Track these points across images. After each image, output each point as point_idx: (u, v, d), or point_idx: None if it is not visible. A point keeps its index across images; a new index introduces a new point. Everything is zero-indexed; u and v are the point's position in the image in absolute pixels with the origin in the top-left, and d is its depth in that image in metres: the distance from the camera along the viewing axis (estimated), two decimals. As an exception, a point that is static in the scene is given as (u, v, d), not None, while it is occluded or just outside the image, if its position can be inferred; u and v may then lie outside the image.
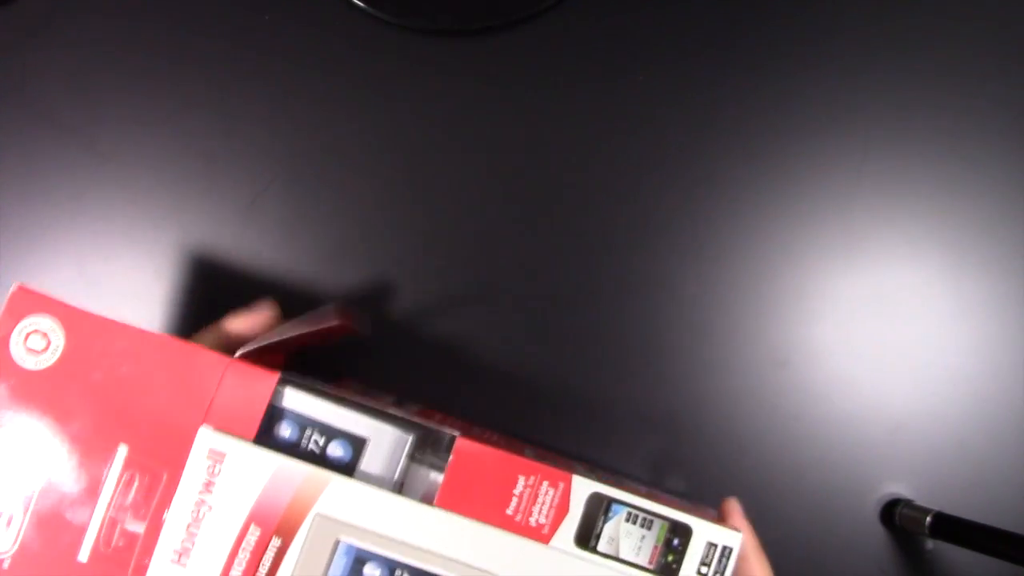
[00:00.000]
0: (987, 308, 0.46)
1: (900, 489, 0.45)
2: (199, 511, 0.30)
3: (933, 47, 0.47)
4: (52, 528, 0.30)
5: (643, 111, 0.45)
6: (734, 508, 0.36)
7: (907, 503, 0.44)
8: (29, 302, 0.31)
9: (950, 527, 0.41)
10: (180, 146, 0.44)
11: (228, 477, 0.30)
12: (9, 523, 0.30)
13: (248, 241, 0.44)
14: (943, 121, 0.47)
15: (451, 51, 0.45)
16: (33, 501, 0.30)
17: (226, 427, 0.31)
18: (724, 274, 0.45)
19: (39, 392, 0.30)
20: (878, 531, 0.44)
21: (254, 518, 0.30)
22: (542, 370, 0.44)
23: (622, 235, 0.45)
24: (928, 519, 0.42)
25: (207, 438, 0.30)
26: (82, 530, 0.30)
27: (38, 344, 0.31)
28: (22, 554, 0.30)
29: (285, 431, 0.31)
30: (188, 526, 0.30)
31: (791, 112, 0.46)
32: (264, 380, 0.31)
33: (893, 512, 0.44)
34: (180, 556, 0.30)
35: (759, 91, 0.46)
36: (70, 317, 0.31)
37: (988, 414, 0.45)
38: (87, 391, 0.31)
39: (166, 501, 0.30)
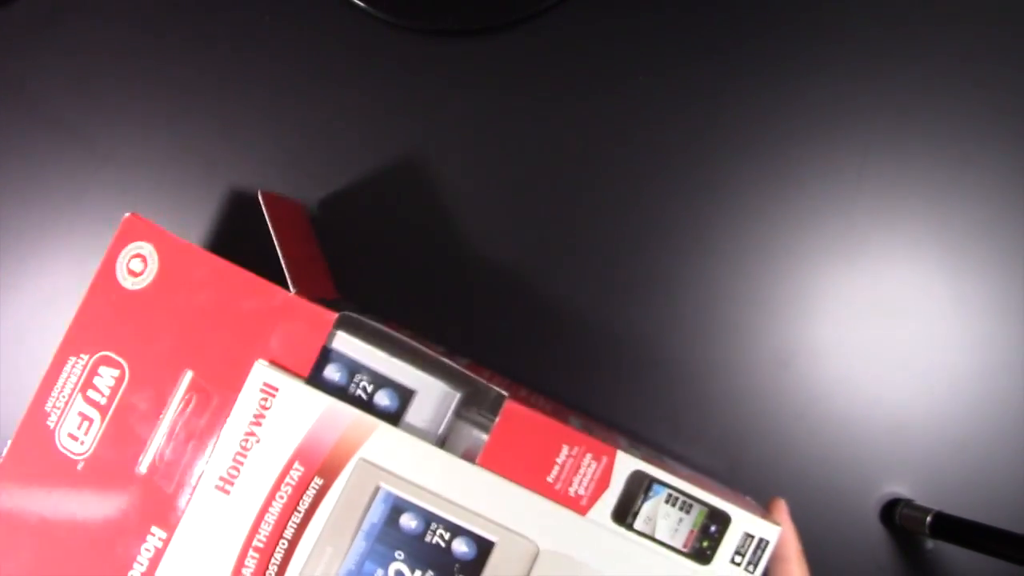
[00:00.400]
0: (987, 308, 0.46)
1: (900, 489, 0.45)
2: (247, 442, 0.31)
3: (933, 50, 0.47)
4: (122, 438, 0.32)
5: (644, 112, 0.45)
6: (781, 508, 0.35)
7: (907, 503, 0.44)
8: (137, 229, 0.33)
9: (950, 527, 0.41)
10: (180, 147, 0.44)
11: (278, 412, 0.31)
12: (88, 429, 0.32)
13: (249, 244, 0.44)
14: (943, 123, 0.47)
15: (451, 51, 0.45)
16: (110, 411, 0.32)
17: (282, 363, 0.32)
18: (725, 275, 0.45)
19: (133, 312, 0.33)
20: (878, 531, 0.44)
21: (299, 456, 0.31)
22: (542, 371, 0.44)
23: (623, 236, 0.45)
24: (928, 519, 0.42)
25: (262, 372, 0.31)
26: (145, 443, 0.32)
27: (137, 267, 0.33)
28: (95, 459, 0.32)
29: (334, 374, 0.32)
30: (235, 455, 0.31)
31: (792, 114, 0.46)
32: (322, 320, 0.32)
33: (893, 512, 0.44)
34: (224, 483, 0.31)
35: (760, 93, 0.46)
36: (166, 244, 0.33)
37: (988, 414, 0.45)
38: (168, 315, 0.33)
39: (218, 429, 0.31)
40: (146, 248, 0.33)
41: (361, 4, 0.44)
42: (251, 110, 0.44)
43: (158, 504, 0.31)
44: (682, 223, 0.45)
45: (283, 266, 0.35)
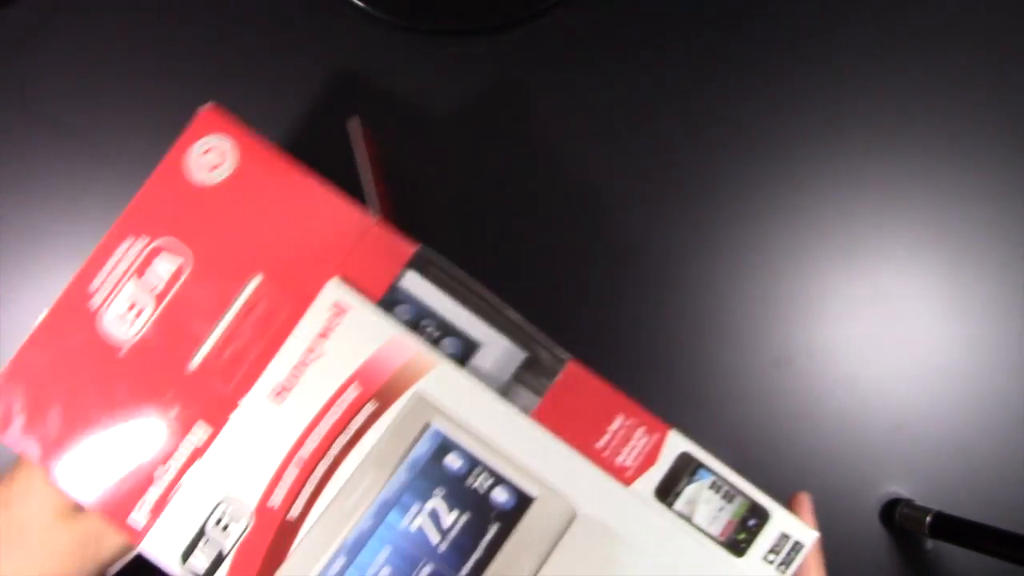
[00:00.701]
0: (987, 308, 0.46)
1: (900, 489, 0.45)
2: (309, 356, 0.31)
3: (934, 50, 0.47)
4: (174, 331, 0.31)
5: (644, 112, 0.45)
6: (804, 504, 0.34)
7: (907, 503, 0.44)
8: (216, 121, 0.32)
9: (950, 527, 0.41)
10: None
11: (345, 331, 0.31)
12: (139, 314, 0.31)
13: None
14: (943, 124, 0.47)
15: (451, 51, 0.45)
16: (165, 301, 0.31)
17: (355, 283, 0.31)
18: (726, 274, 0.45)
19: (201, 205, 0.32)
20: (878, 531, 0.44)
21: (358, 377, 0.31)
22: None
23: (623, 236, 0.45)
24: (928, 519, 0.42)
25: (335, 289, 0.31)
26: (199, 340, 0.31)
27: (212, 160, 0.32)
28: (140, 347, 0.31)
29: (403, 315, 0.32)
30: (295, 366, 0.31)
31: (794, 114, 0.46)
32: (400, 251, 0.32)
33: (893, 512, 0.44)
34: (278, 393, 0.31)
35: (761, 93, 0.46)
36: (247, 143, 0.32)
37: (988, 414, 0.45)
38: (240, 215, 0.32)
39: (282, 338, 0.31)
40: (225, 143, 0.32)
41: (361, 4, 0.44)
42: (251, 110, 0.44)
43: (207, 402, 0.31)
44: (682, 223, 0.45)
45: (365, 191, 0.34)
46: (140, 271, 0.31)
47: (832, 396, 0.45)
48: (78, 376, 0.31)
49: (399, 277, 0.32)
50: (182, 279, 0.31)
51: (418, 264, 0.32)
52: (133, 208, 0.32)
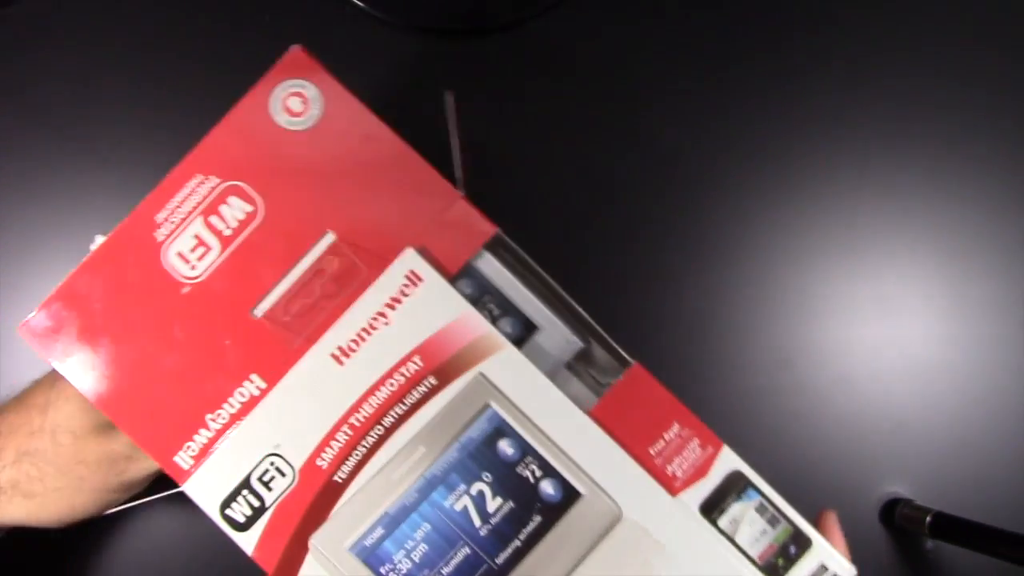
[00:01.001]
0: (987, 308, 0.46)
1: (900, 489, 0.45)
2: (377, 321, 0.30)
3: (935, 50, 0.47)
4: (241, 276, 0.30)
5: (643, 112, 0.45)
6: (832, 526, 0.34)
7: (907, 503, 0.44)
8: (304, 65, 0.31)
9: (950, 527, 0.41)
10: (180, 147, 0.44)
11: (415, 302, 0.30)
12: (204, 254, 0.30)
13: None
14: (943, 123, 0.47)
15: (451, 51, 0.45)
16: (233, 244, 0.30)
17: (431, 254, 0.31)
18: (726, 275, 0.45)
19: (279, 151, 0.31)
20: (878, 531, 0.44)
21: (422, 350, 0.30)
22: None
23: (622, 236, 0.45)
24: (928, 519, 0.42)
25: (412, 259, 0.30)
26: (264, 289, 0.30)
27: (296, 106, 0.31)
28: (204, 287, 0.30)
29: (465, 288, 0.32)
30: (361, 329, 0.30)
31: (794, 114, 0.46)
32: (478, 230, 0.31)
33: (893, 512, 0.44)
34: (341, 354, 0.30)
35: (761, 93, 0.46)
36: (334, 93, 0.31)
37: (988, 414, 0.45)
38: (319, 166, 0.31)
39: (351, 299, 0.30)
40: (310, 90, 0.31)
41: (361, 4, 0.44)
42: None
43: (266, 353, 0.30)
44: (682, 223, 0.45)
45: (455, 166, 0.33)
46: (208, 211, 0.30)
47: (832, 396, 0.45)
48: (134, 307, 0.30)
49: (475, 255, 0.31)
50: (252, 225, 0.30)
51: (494, 245, 0.32)
52: (207, 145, 0.31)
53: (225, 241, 0.30)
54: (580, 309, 0.32)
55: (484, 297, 0.32)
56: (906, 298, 0.46)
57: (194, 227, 0.30)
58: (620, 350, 0.31)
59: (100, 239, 0.32)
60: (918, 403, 0.45)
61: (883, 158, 0.46)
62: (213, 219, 0.30)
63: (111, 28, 0.44)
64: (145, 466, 0.33)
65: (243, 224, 0.30)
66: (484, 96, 0.45)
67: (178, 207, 0.30)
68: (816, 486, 0.44)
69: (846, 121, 0.46)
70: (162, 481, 0.33)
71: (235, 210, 0.30)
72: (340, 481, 0.30)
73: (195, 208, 0.30)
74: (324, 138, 0.31)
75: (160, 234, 0.30)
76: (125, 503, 0.34)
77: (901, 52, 0.47)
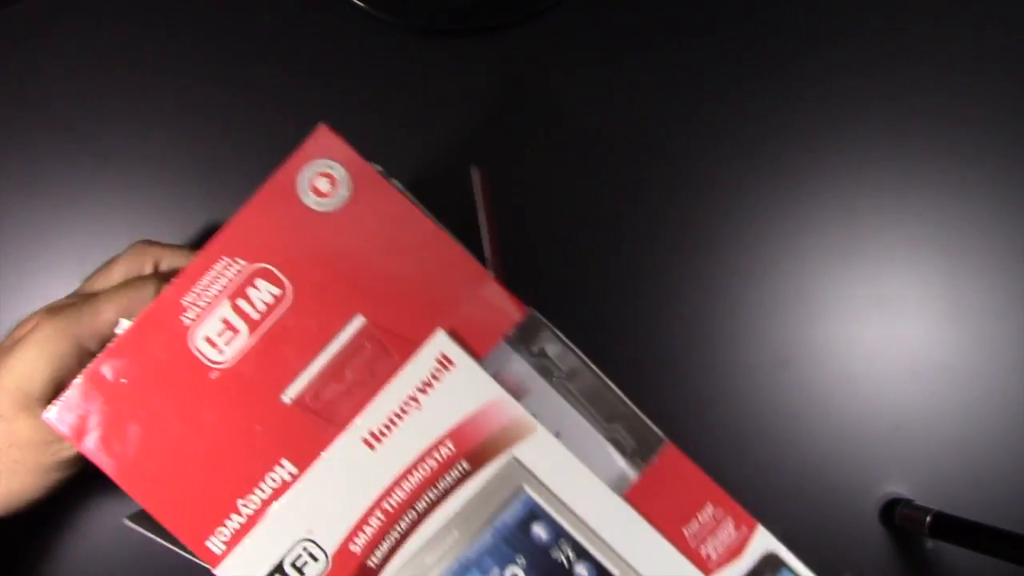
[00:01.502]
0: (987, 308, 0.46)
1: (900, 489, 0.45)
2: (408, 406, 0.30)
3: (933, 49, 0.47)
4: (269, 360, 0.30)
5: (643, 111, 0.45)
6: None
7: (907, 503, 0.44)
8: (330, 145, 0.31)
9: (950, 527, 0.41)
10: (180, 147, 0.44)
11: (447, 386, 0.30)
12: (232, 338, 0.30)
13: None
14: (943, 122, 0.47)
15: (451, 51, 0.45)
16: (261, 329, 0.30)
17: (461, 337, 0.31)
18: (725, 275, 0.45)
19: (308, 233, 0.30)
20: (878, 531, 0.44)
21: (453, 435, 0.30)
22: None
23: (621, 235, 0.45)
24: (928, 519, 0.42)
25: (443, 342, 0.30)
26: (295, 372, 0.30)
27: (324, 187, 0.31)
28: (234, 373, 0.30)
29: (490, 367, 0.31)
30: (392, 414, 0.30)
31: (793, 113, 0.46)
32: (512, 311, 0.31)
33: (893, 512, 0.44)
34: (373, 438, 0.30)
35: (760, 92, 0.46)
36: (361, 173, 0.30)
37: (988, 414, 0.45)
38: (347, 248, 0.30)
39: (381, 383, 0.30)
40: (338, 170, 0.30)
41: (361, 4, 0.44)
42: (251, 109, 0.44)
43: (297, 438, 0.30)
44: (681, 222, 0.45)
45: (484, 242, 0.33)
46: (235, 295, 0.30)
47: (832, 396, 0.45)
48: (163, 392, 0.30)
49: (507, 337, 0.31)
50: (280, 309, 0.30)
51: (525, 328, 0.32)
52: (235, 227, 0.30)
53: (253, 325, 0.30)
54: (615, 388, 0.32)
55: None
56: (906, 298, 0.46)
57: (222, 310, 0.30)
58: (653, 426, 0.32)
59: (126, 323, 0.32)
60: (918, 403, 0.45)
61: (883, 157, 0.46)
62: (241, 302, 0.30)
63: (111, 28, 0.44)
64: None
65: (271, 308, 0.30)
66: (484, 96, 0.45)
67: (205, 290, 0.30)
68: (816, 486, 0.44)
69: (846, 120, 0.46)
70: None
71: (263, 293, 0.30)
72: (374, 566, 0.30)
73: (222, 291, 0.30)
74: (352, 219, 0.30)
75: (187, 318, 0.30)
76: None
77: (900, 52, 0.47)
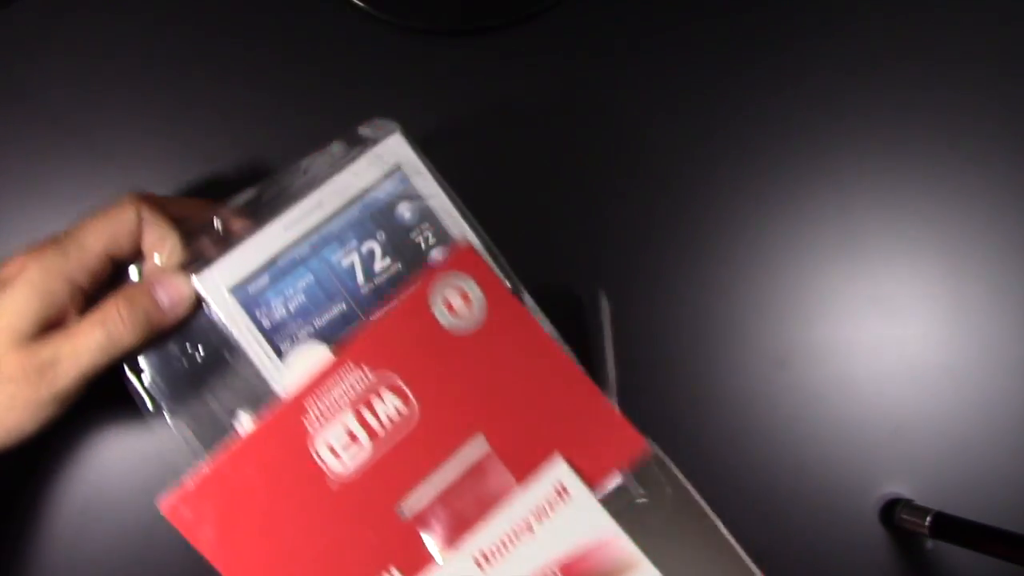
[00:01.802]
0: (987, 308, 0.46)
1: (900, 489, 0.45)
2: (521, 531, 0.30)
3: (933, 47, 0.47)
4: (389, 472, 0.30)
5: (642, 111, 0.45)
6: None
7: (907, 503, 0.44)
8: (470, 263, 0.31)
9: (950, 527, 0.41)
10: (180, 147, 0.44)
11: (561, 516, 0.30)
12: (354, 452, 0.30)
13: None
14: (942, 121, 0.47)
15: (451, 51, 0.45)
16: (384, 441, 0.30)
17: (578, 466, 0.31)
18: (723, 274, 0.45)
19: (438, 350, 0.31)
20: (878, 531, 0.44)
21: (563, 565, 0.30)
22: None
23: (621, 235, 0.45)
24: (928, 519, 0.42)
25: (561, 471, 0.30)
26: (412, 486, 0.30)
27: (456, 303, 0.31)
28: (352, 483, 0.30)
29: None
30: (504, 536, 0.30)
31: (791, 112, 0.46)
32: (634, 445, 0.31)
33: (893, 512, 0.44)
34: (484, 558, 0.30)
35: (758, 91, 0.46)
36: (499, 295, 0.31)
37: (988, 414, 0.45)
38: (474, 368, 0.31)
39: (497, 504, 0.30)
40: (474, 290, 0.31)
41: (361, 4, 0.44)
42: (251, 109, 0.44)
43: (408, 550, 0.30)
44: (680, 222, 0.45)
45: (609, 374, 0.34)
46: (359, 404, 0.30)
47: (831, 396, 0.45)
48: (281, 495, 0.30)
49: (626, 470, 0.31)
50: (404, 422, 0.30)
51: (644, 462, 0.32)
52: (366, 337, 0.30)
53: (376, 437, 0.30)
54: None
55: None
56: (905, 298, 0.46)
57: (346, 419, 0.30)
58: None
59: (245, 417, 0.32)
60: (918, 403, 0.45)
61: (882, 157, 0.46)
62: (365, 413, 0.30)
63: (111, 27, 0.44)
64: (72, 367, 0.32)
65: (394, 421, 0.30)
66: (484, 96, 0.45)
67: (331, 397, 0.30)
68: (816, 486, 0.44)
69: (844, 119, 0.46)
70: (99, 384, 0.33)
71: (388, 406, 0.30)
72: None
73: (348, 400, 0.30)
74: (483, 340, 0.31)
75: (311, 423, 0.30)
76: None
77: (900, 51, 0.47)
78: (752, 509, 0.44)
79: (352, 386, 0.30)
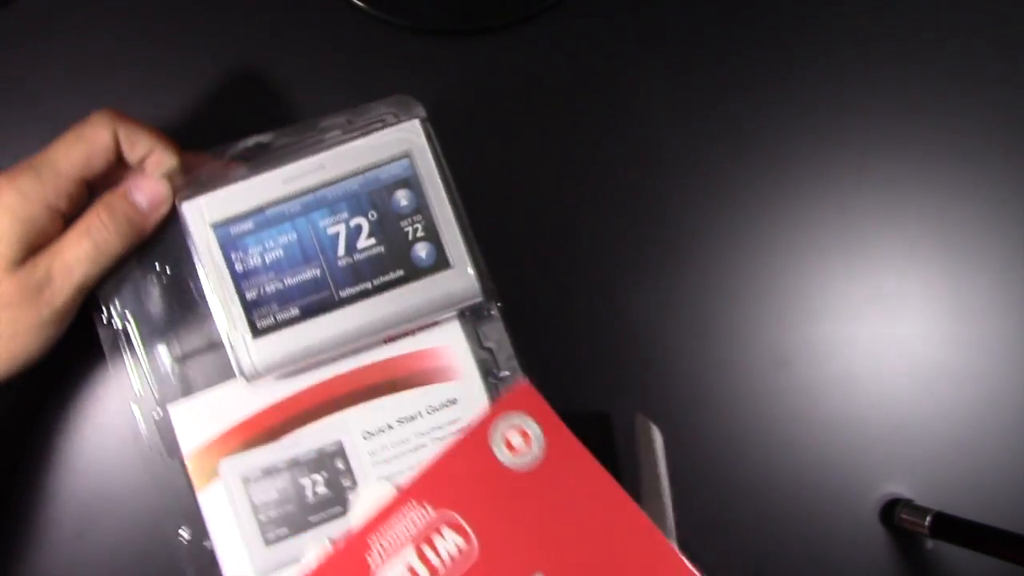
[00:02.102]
0: (987, 308, 0.46)
1: (900, 489, 0.45)
2: None
3: (933, 47, 0.47)
4: None
5: (642, 111, 0.45)
6: None
7: (907, 503, 0.44)
8: (530, 401, 0.32)
9: (950, 527, 0.41)
10: (180, 142, 0.44)
11: None
12: None
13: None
14: (942, 121, 0.47)
15: (451, 51, 0.45)
16: None
17: None
18: (724, 274, 0.45)
19: (498, 488, 0.31)
20: (878, 531, 0.44)
21: None
22: (539, 373, 0.44)
23: (620, 235, 0.45)
24: (928, 519, 0.42)
25: None
26: None
27: (517, 442, 0.31)
28: None
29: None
30: None
31: (791, 112, 0.46)
32: None
33: (893, 512, 0.44)
34: None
35: (760, 92, 0.46)
36: (558, 434, 0.31)
37: (988, 414, 0.45)
38: (534, 504, 0.31)
39: None
40: (533, 428, 0.32)
41: (361, 4, 0.44)
42: (251, 109, 0.44)
43: None
44: (681, 222, 0.45)
45: (667, 511, 0.33)
46: (420, 540, 0.30)
47: (832, 396, 0.45)
48: None
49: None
50: (464, 560, 0.30)
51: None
52: (428, 475, 0.31)
53: (435, 574, 0.30)
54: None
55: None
56: (906, 298, 0.46)
57: (407, 556, 0.30)
58: None
59: (311, 551, 0.32)
60: (918, 403, 0.45)
61: (882, 156, 0.46)
62: (426, 549, 0.31)
63: (111, 27, 0.44)
64: (66, 282, 0.32)
65: (456, 560, 0.31)
66: (485, 96, 0.45)
67: (393, 533, 0.31)
68: (816, 486, 0.44)
69: (845, 119, 0.46)
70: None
71: (448, 543, 0.31)
72: None
73: (409, 536, 0.31)
74: (542, 478, 0.31)
75: (373, 559, 0.30)
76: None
77: (900, 50, 0.47)
78: (752, 509, 0.44)
79: (414, 523, 0.31)
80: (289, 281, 0.31)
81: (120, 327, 0.34)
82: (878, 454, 0.45)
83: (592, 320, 0.45)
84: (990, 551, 0.40)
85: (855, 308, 0.45)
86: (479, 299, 0.32)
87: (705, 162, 0.45)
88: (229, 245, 0.31)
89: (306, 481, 0.32)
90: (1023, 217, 0.46)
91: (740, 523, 0.44)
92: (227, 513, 0.32)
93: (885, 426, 0.45)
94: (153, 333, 0.34)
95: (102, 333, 0.35)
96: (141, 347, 0.34)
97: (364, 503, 0.32)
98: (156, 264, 0.34)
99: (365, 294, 0.31)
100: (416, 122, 0.31)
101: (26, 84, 0.43)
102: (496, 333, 0.37)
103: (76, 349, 0.35)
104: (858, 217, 0.46)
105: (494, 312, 0.35)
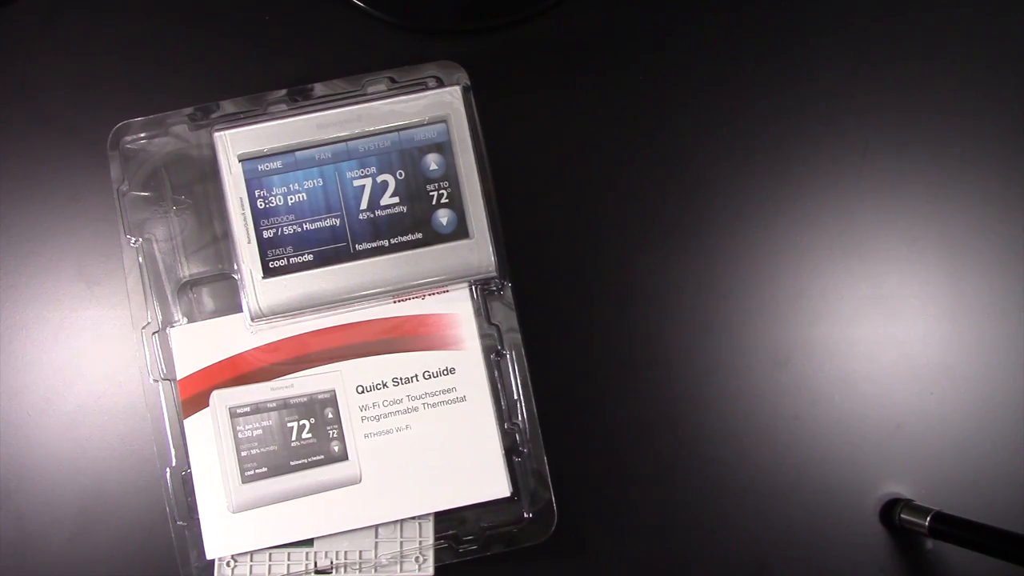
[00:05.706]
0: (986, 308, 0.46)
1: (900, 489, 0.45)
2: None
3: (933, 47, 0.47)
4: None
5: (643, 111, 0.45)
6: None
7: (907, 503, 0.44)
8: None
9: (950, 527, 0.41)
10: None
11: None
12: None
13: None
14: (942, 121, 0.47)
15: (451, 51, 0.45)
16: None
17: None
18: (723, 274, 0.45)
19: None
20: (878, 531, 0.44)
21: None
22: (538, 372, 0.44)
23: (620, 235, 0.45)
24: (928, 519, 0.42)
25: None
26: None
27: None
28: None
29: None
30: None
31: (791, 112, 0.46)
32: None
33: (893, 512, 0.44)
34: None
35: (760, 91, 0.46)
36: None
37: (988, 414, 0.45)
38: None
39: None
40: None
41: (361, 4, 0.44)
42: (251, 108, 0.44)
43: None
44: (681, 222, 0.45)
45: None
46: None
47: (832, 396, 0.45)
48: None
49: None
50: None
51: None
52: None
53: None
54: None
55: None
56: (906, 298, 0.46)
57: None
58: None
59: None
60: (918, 403, 0.45)
61: (883, 157, 0.46)
62: None
63: (111, 27, 0.44)
64: None
65: None
66: (485, 96, 0.45)
67: None
68: (816, 486, 0.44)
69: (845, 119, 0.46)
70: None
71: None
72: None
73: None
74: None
75: None
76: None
77: (900, 51, 0.47)
78: (752, 509, 0.44)
79: None
80: (308, 227, 0.32)
81: (139, 247, 0.36)
82: (878, 454, 0.45)
83: (591, 320, 0.45)
84: (990, 551, 0.40)
85: (855, 308, 0.45)
86: (493, 274, 0.32)
87: (704, 162, 0.45)
88: (254, 181, 0.32)
89: (293, 425, 0.33)
90: (1023, 217, 0.46)
91: (740, 523, 0.44)
92: (210, 444, 0.33)
93: (885, 426, 0.45)
94: (167, 258, 0.35)
95: (126, 254, 0.36)
96: (155, 271, 0.35)
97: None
98: (182, 193, 0.35)
99: (381, 251, 0.32)
100: (458, 88, 0.31)
101: (26, 84, 0.43)
102: (504, 312, 0.38)
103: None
104: (858, 217, 0.46)
105: (504, 292, 0.35)
